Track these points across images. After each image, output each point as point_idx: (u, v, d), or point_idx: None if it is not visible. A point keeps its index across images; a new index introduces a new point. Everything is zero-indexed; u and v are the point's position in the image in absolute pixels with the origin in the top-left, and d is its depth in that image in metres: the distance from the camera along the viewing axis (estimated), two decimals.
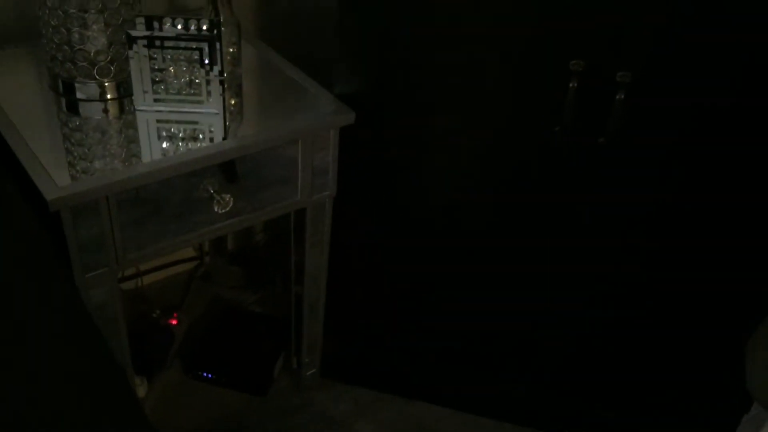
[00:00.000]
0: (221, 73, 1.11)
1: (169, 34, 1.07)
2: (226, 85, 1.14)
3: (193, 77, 1.10)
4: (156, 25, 1.08)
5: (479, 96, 1.17)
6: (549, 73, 1.10)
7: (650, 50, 1.06)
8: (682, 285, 1.27)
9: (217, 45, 1.08)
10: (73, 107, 1.15)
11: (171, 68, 1.09)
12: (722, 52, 1.04)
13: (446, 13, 1.11)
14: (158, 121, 1.13)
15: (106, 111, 1.15)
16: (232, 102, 1.20)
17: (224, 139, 1.11)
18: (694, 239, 1.22)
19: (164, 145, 1.09)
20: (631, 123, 1.11)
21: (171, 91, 1.12)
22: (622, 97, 1.07)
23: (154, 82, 1.11)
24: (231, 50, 1.19)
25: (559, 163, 1.19)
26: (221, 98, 1.12)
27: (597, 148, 1.14)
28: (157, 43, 1.08)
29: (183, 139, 1.10)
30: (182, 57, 1.09)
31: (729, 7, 1.01)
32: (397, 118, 1.23)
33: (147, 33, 1.07)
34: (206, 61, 1.09)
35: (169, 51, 1.08)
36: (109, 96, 1.15)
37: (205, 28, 1.10)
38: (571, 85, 1.08)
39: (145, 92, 1.12)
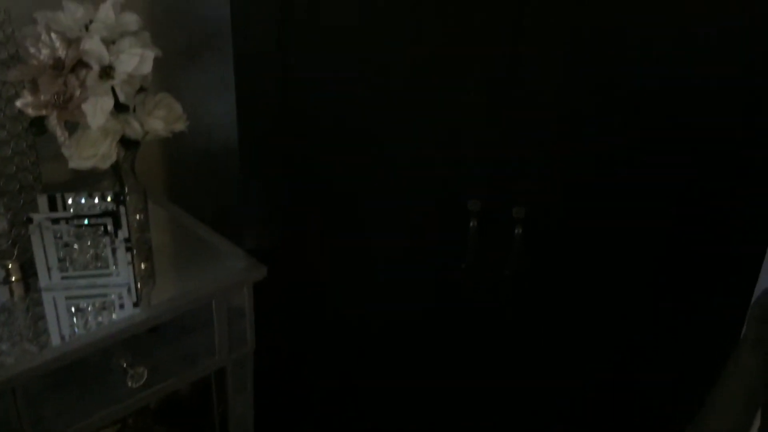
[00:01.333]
0: (128, 240, 1.11)
1: (72, 214, 1.08)
2: (135, 252, 1.15)
3: (98, 251, 1.10)
4: (59, 200, 1.09)
5: (388, 237, 1.21)
6: (450, 214, 1.15)
7: (539, 187, 1.13)
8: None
9: (123, 216, 1.10)
10: None
11: (75, 245, 1.09)
12: (599, 186, 1.13)
13: (346, 174, 1.17)
14: (67, 297, 1.11)
15: (11, 293, 1.13)
16: (143, 267, 1.20)
17: (136, 305, 1.11)
18: (603, 365, 1.27)
19: (73, 321, 1.08)
20: (532, 254, 1.16)
21: (78, 267, 1.11)
22: (520, 231, 1.13)
23: (59, 259, 1.10)
24: (138, 217, 1.20)
25: (471, 296, 1.23)
26: (130, 268, 1.12)
27: (504, 279, 1.19)
28: (60, 223, 1.08)
29: (93, 315, 1.09)
30: (87, 232, 1.09)
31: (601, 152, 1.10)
32: (310, 268, 1.25)
33: (49, 214, 1.08)
34: (112, 233, 1.10)
35: (74, 227, 1.08)
36: (13, 278, 1.13)
37: (109, 199, 1.11)
38: (471, 224, 1.14)
39: (50, 270, 1.11)
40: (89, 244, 1.09)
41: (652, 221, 1.14)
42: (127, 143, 1.11)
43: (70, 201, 1.10)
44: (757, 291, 1.14)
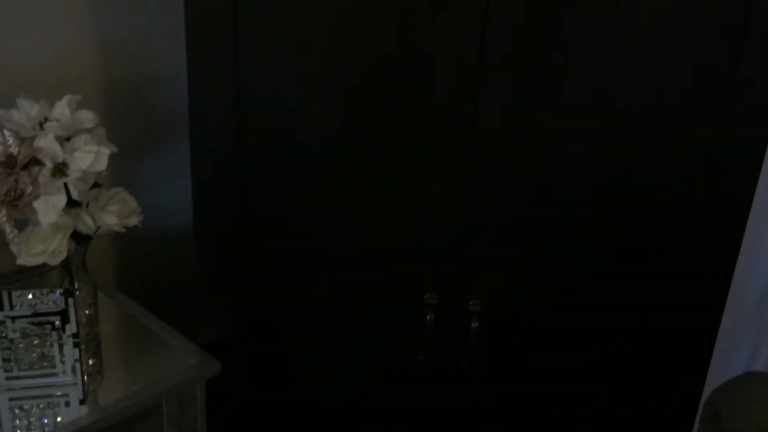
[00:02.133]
0: (76, 336, 1.08)
1: (19, 313, 1.04)
2: (83, 347, 1.11)
3: (45, 350, 1.07)
4: (5, 297, 1.06)
5: (346, 334, 1.20)
6: (407, 308, 1.16)
7: (495, 280, 1.14)
8: None
9: (72, 312, 1.07)
10: None
11: (21, 344, 1.05)
12: (555, 280, 1.15)
13: (302, 265, 1.17)
14: (10, 399, 1.07)
15: None
16: (90, 364, 1.16)
17: (82, 404, 1.07)
18: None
19: (17, 423, 1.03)
20: (489, 346, 1.17)
21: (23, 366, 1.07)
22: (476, 324, 1.13)
23: (4, 359, 1.06)
24: (87, 312, 1.17)
25: (429, 387, 1.22)
26: (77, 366, 1.08)
27: (462, 371, 1.19)
28: (6, 322, 1.04)
29: (37, 417, 1.04)
30: (34, 330, 1.06)
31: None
32: (265, 361, 1.24)
33: None
34: (60, 329, 1.06)
35: (19, 327, 1.05)
36: None
37: (58, 294, 1.08)
38: (428, 317, 1.14)
39: None
40: (36, 343, 1.06)
41: (606, 316, 1.16)
42: (78, 238, 1.09)
43: (15, 298, 1.06)
44: (706, 391, 1.15)
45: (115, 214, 1.07)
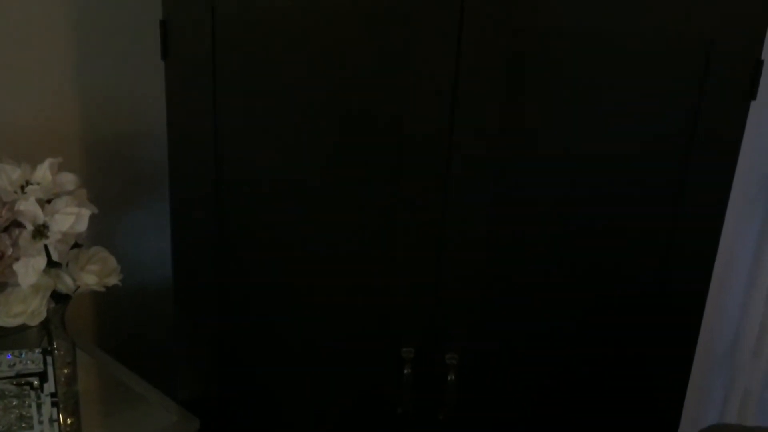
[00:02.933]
0: (54, 395, 1.08)
1: None
2: (61, 406, 1.11)
3: (23, 411, 1.06)
4: None
5: (325, 387, 1.21)
6: (384, 362, 1.17)
7: (470, 336, 1.16)
8: None
9: (50, 371, 1.07)
10: None
11: None
12: (534, 333, 1.17)
13: (281, 319, 1.18)
14: None
15: None
16: (69, 422, 1.16)
17: None
18: None
19: None
20: (466, 398, 1.18)
21: (1, 428, 1.07)
22: (453, 377, 1.15)
23: None
24: (65, 371, 1.17)
25: None
26: (56, 426, 1.08)
27: (439, 423, 1.20)
28: None
29: None
30: (12, 392, 1.06)
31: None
32: (245, 416, 1.24)
33: None
34: (38, 389, 1.06)
35: None
36: None
37: (37, 353, 1.08)
38: (405, 371, 1.16)
39: None
40: (14, 404, 1.06)
41: (579, 367, 1.18)
42: (57, 297, 1.10)
43: None
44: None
45: (95, 273, 1.08)
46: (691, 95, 1.04)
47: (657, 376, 1.16)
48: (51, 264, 1.04)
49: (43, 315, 1.06)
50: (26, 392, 1.06)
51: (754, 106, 1.04)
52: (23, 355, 1.07)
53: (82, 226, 1.02)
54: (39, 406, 1.08)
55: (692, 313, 1.12)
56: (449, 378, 1.15)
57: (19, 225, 1.00)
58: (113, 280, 1.11)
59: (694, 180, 1.08)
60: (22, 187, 1.01)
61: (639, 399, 1.19)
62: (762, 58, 1.02)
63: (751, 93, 1.03)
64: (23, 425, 1.07)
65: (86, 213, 1.02)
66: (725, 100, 1.04)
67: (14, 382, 1.06)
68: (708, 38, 1.00)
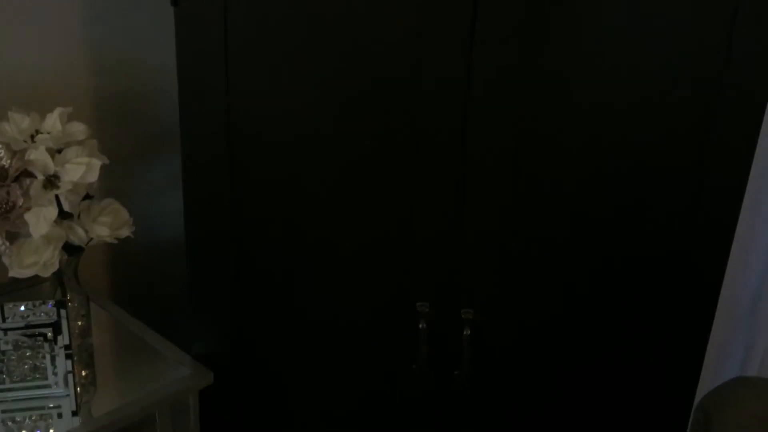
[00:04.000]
0: (68, 347, 1.08)
1: (11, 325, 1.04)
2: (75, 358, 1.11)
3: (37, 362, 1.06)
4: None
5: (338, 342, 1.20)
6: (399, 316, 1.16)
7: (487, 289, 1.15)
8: None
9: (64, 323, 1.07)
10: None
11: (13, 356, 1.05)
12: (548, 288, 1.15)
13: (294, 274, 1.17)
14: (2, 411, 1.07)
15: None
16: (83, 375, 1.16)
17: (75, 415, 1.07)
18: None
19: None
20: (482, 355, 1.17)
21: (15, 378, 1.07)
22: (469, 333, 1.14)
23: None
24: (79, 323, 1.17)
25: (422, 396, 1.22)
26: (70, 377, 1.08)
27: (454, 379, 1.19)
28: None
29: (30, 428, 1.04)
30: (25, 342, 1.06)
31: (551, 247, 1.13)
32: (258, 371, 1.24)
33: None
34: (52, 340, 1.06)
35: (11, 338, 1.05)
36: None
37: (50, 305, 1.08)
38: (420, 326, 1.14)
39: None
40: (28, 354, 1.06)
41: (598, 325, 1.16)
42: (70, 249, 1.09)
43: (8, 310, 1.06)
44: (698, 397, 1.16)
45: (107, 225, 1.07)
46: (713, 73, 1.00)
47: (678, 330, 1.15)
48: (63, 215, 1.04)
49: (56, 266, 1.05)
50: (40, 343, 1.06)
51: None
52: (37, 307, 1.06)
53: (93, 176, 1.01)
54: (53, 358, 1.08)
55: (715, 265, 1.10)
56: (465, 333, 1.13)
57: (29, 175, 0.99)
58: (125, 232, 1.10)
59: (719, 136, 1.04)
60: (32, 137, 1.00)
61: (660, 353, 1.17)
62: None
63: None
64: (37, 376, 1.07)
65: (97, 163, 1.01)
66: (755, 52, 1.00)
67: (28, 333, 1.06)
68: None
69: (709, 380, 1.17)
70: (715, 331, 1.16)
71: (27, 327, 1.05)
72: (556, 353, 1.20)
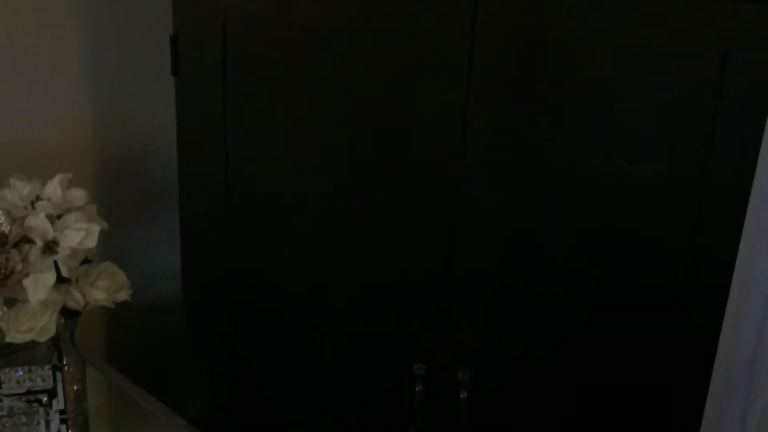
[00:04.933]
0: (63, 412, 1.08)
1: (8, 391, 1.04)
2: (70, 423, 1.11)
3: (32, 428, 1.06)
4: None
5: (335, 405, 1.20)
6: (395, 378, 1.16)
7: (483, 353, 1.15)
8: None
9: (60, 387, 1.07)
10: None
11: (8, 423, 1.05)
12: (545, 351, 1.15)
13: (292, 335, 1.18)
14: None
15: None
16: None
17: None
18: None
19: None
20: (479, 417, 1.16)
21: None
22: (465, 395, 1.14)
23: None
24: (75, 387, 1.17)
25: None
26: None
27: None
28: None
29: None
30: (21, 409, 1.05)
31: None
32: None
33: None
34: (47, 405, 1.06)
35: (7, 405, 1.04)
36: None
37: (46, 369, 1.08)
38: (417, 388, 1.14)
39: None
40: (23, 421, 1.05)
41: (594, 382, 1.16)
42: (67, 313, 1.09)
43: (3, 375, 1.06)
44: None
45: (105, 289, 1.08)
46: (708, 105, 1.02)
47: (674, 389, 1.14)
48: (60, 280, 1.04)
49: (53, 331, 1.05)
50: (35, 409, 1.06)
51: None
52: (33, 372, 1.06)
53: (92, 241, 1.02)
54: (48, 423, 1.07)
55: (710, 325, 1.10)
56: (461, 396, 1.13)
57: (29, 241, 1.00)
58: (123, 296, 1.10)
59: (712, 187, 1.06)
60: (33, 203, 1.02)
61: (656, 413, 1.17)
62: None
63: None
64: None
65: (96, 228, 1.02)
66: (741, 112, 1.02)
67: (24, 399, 1.05)
68: (723, 50, 0.99)
69: None
70: (713, 386, 1.16)
71: (24, 393, 1.05)
72: (554, 410, 1.19)
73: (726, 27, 0.98)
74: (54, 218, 1.02)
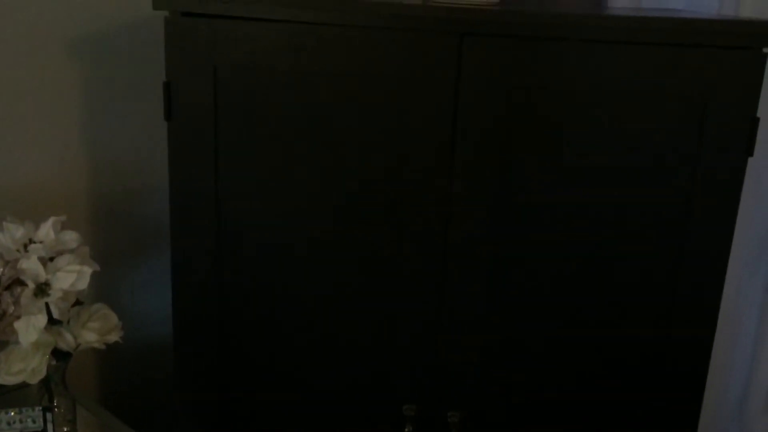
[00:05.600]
0: None
1: None
2: None
3: None
4: None
5: None
6: (385, 420, 1.16)
7: (472, 394, 1.15)
8: None
9: (50, 428, 1.07)
10: None
11: None
12: (535, 392, 1.15)
13: (281, 378, 1.18)
14: None
15: None
16: None
17: None
18: None
19: None
20: None
21: None
22: None
23: None
24: (66, 429, 1.17)
25: None
26: None
27: None
28: None
29: None
30: None
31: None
32: None
33: None
34: None
35: None
36: None
37: (37, 411, 1.08)
38: (406, 429, 1.14)
39: None
40: None
41: (582, 424, 1.16)
42: (58, 355, 1.10)
43: None
44: None
45: (96, 330, 1.08)
46: (691, 151, 1.04)
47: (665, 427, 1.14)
48: (52, 321, 1.05)
49: (44, 373, 1.06)
50: None
51: (752, 162, 1.05)
52: (24, 413, 1.07)
53: (84, 283, 1.03)
54: None
55: (698, 371, 1.11)
56: None
57: (21, 283, 1.01)
58: (114, 337, 1.11)
59: (696, 233, 1.08)
60: (26, 246, 1.03)
61: None
62: (758, 115, 1.03)
63: (748, 150, 1.03)
64: None
65: (88, 271, 1.03)
66: (723, 157, 1.04)
67: None
68: (703, 99, 1.02)
69: None
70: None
71: None
72: None
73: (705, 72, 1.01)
74: (46, 260, 1.03)
